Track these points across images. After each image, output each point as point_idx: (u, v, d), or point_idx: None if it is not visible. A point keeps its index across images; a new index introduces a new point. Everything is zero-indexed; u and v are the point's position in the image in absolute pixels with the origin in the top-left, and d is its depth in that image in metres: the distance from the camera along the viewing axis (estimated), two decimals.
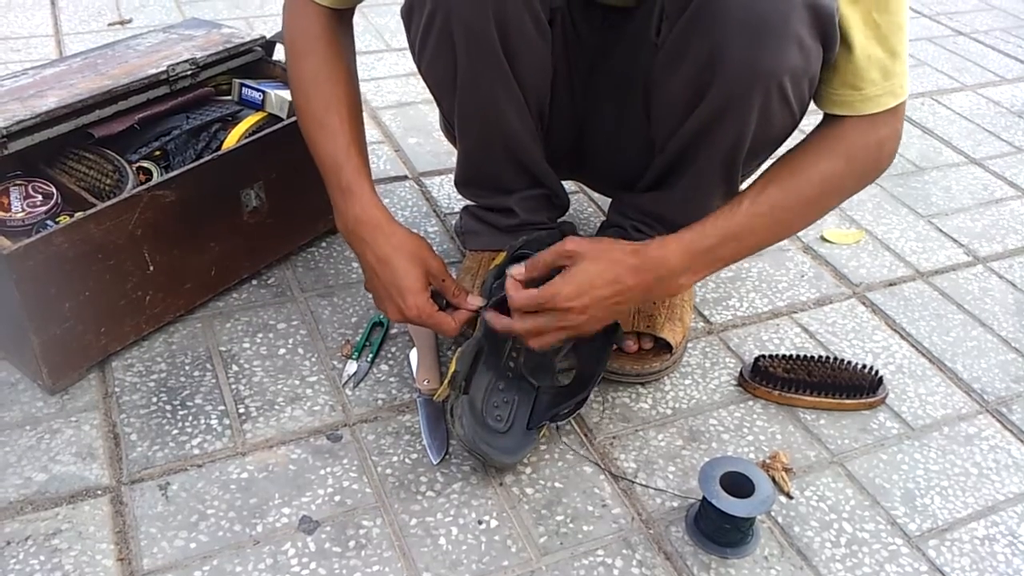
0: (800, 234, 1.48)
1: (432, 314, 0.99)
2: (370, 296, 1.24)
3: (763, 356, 1.17)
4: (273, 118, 1.25)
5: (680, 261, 0.95)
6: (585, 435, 1.08)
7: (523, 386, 1.04)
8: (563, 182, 1.26)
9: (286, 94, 1.24)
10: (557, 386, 1.07)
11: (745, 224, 0.96)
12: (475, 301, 1.02)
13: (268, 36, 1.32)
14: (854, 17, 0.89)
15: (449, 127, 1.20)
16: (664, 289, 0.98)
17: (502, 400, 1.02)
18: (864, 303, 1.35)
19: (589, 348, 1.06)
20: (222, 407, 1.07)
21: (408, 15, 1.02)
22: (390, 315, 1.01)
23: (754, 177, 1.00)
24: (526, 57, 1.01)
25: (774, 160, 0.99)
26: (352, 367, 1.13)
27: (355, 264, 1.31)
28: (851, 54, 0.91)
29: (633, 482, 1.03)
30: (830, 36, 0.89)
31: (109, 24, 1.98)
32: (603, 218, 1.41)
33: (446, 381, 0.99)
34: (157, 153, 1.19)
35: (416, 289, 0.98)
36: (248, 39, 1.30)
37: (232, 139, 1.20)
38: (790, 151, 0.99)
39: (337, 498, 0.98)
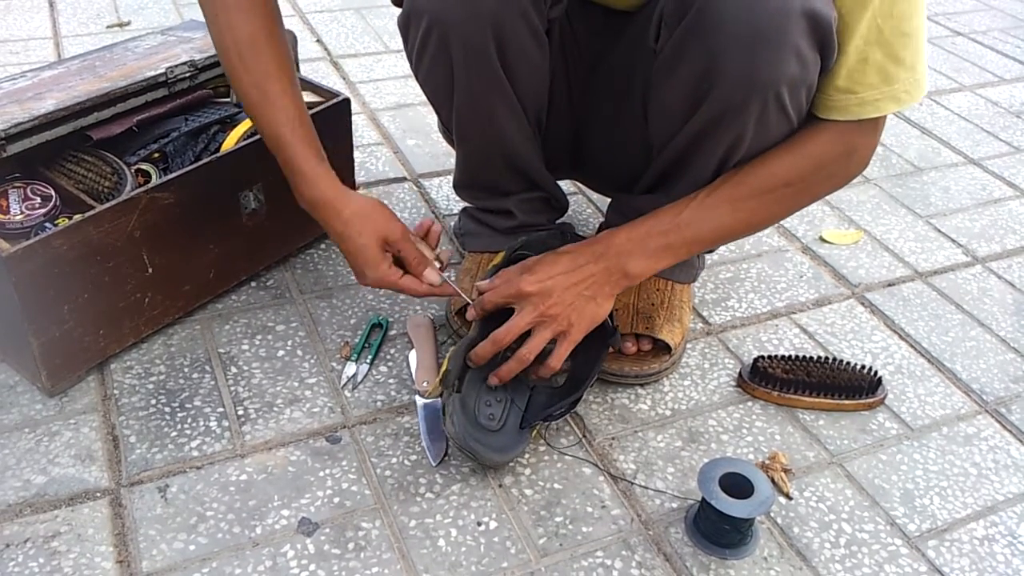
0: (799, 234, 1.49)
1: (395, 282, 0.99)
2: (369, 297, 1.25)
3: (762, 357, 1.17)
4: None
5: (629, 244, 0.99)
6: (584, 436, 1.08)
7: (517, 386, 1.04)
8: (562, 182, 1.26)
9: None
10: (552, 386, 1.07)
11: (698, 214, 0.99)
12: (432, 276, 1.01)
13: None
14: (857, 22, 0.88)
15: (447, 130, 1.20)
16: (623, 273, 1.00)
17: (495, 399, 1.02)
18: (863, 303, 1.35)
19: (585, 350, 1.06)
20: (221, 409, 1.07)
21: (405, 26, 1.02)
22: (363, 282, 1.01)
23: None
24: (524, 70, 1.01)
25: None
26: (351, 369, 1.13)
27: None
28: (846, 58, 0.91)
29: (632, 483, 1.03)
30: (828, 45, 0.89)
31: (107, 26, 1.98)
32: (601, 219, 1.41)
33: (438, 379, 1.00)
34: (156, 155, 1.19)
35: (374, 262, 0.98)
36: None
37: (231, 141, 1.20)
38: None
39: (336, 500, 0.98)
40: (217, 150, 1.19)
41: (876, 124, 0.96)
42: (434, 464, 1.02)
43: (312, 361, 1.15)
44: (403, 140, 1.65)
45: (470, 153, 1.16)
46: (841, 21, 0.89)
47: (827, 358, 1.17)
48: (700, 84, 0.93)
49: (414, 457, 1.03)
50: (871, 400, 1.15)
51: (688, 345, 1.23)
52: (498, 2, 0.94)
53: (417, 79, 1.08)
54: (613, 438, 1.08)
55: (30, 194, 1.09)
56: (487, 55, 0.97)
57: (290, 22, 1.89)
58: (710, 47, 0.89)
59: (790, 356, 1.17)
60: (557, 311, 0.97)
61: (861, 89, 0.92)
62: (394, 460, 1.03)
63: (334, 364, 1.15)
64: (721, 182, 1.00)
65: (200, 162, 1.12)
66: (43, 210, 1.08)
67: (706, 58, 0.90)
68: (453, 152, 1.21)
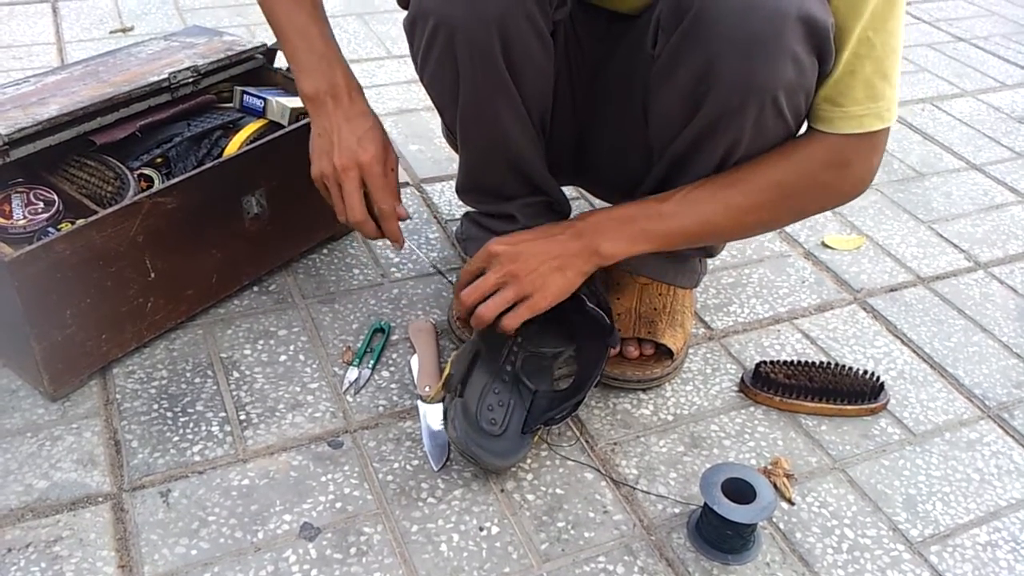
0: (801, 240, 1.49)
1: (385, 177, 1.01)
2: (371, 303, 1.25)
3: (764, 362, 1.17)
4: (274, 125, 1.25)
5: (608, 223, 1.00)
6: (586, 441, 1.08)
7: (520, 390, 1.04)
8: (565, 187, 1.26)
9: (287, 101, 1.25)
10: (554, 391, 1.07)
11: (682, 207, 0.99)
12: (403, 211, 1.04)
13: (269, 44, 1.33)
14: (848, 32, 0.88)
15: (451, 133, 1.20)
16: (595, 251, 1.00)
17: (497, 403, 1.02)
18: (865, 309, 1.35)
19: (585, 352, 1.06)
20: (223, 414, 1.07)
21: (411, 28, 1.03)
22: (340, 161, 0.99)
23: None
24: (529, 72, 1.02)
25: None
26: (353, 374, 1.13)
27: (356, 271, 1.31)
28: (835, 68, 0.90)
29: (634, 488, 1.03)
30: (826, 50, 0.89)
31: (111, 32, 1.99)
32: None
33: (439, 383, 1.00)
34: (158, 160, 1.19)
35: (381, 146, 1.00)
36: (249, 46, 1.30)
37: (233, 146, 1.20)
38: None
39: (338, 505, 0.98)
40: (220, 155, 1.20)
41: (872, 141, 0.95)
42: (436, 469, 1.02)
43: (314, 366, 1.15)
44: (406, 145, 1.65)
45: (473, 156, 1.16)
46: (835, 27, 0.89)
47: (829, 363, 1.17)
48: (697, 88, 0.93)
49: (416, 462, 1.03)
50: (873, 405, 1.15)
51: (690, 350, 1.23)
52: (503, 3, 0.95)
53: (422, 80, 1.08)
54: (615, 443, 1.08)
55: (33, 199, 1.10)
56: (492, 56, 0.98)
57: None
58: (706, 52, 0.89)
59: (792, 361, 1.17)
60: (522, 272, 0.98)
61: (847, 103, 0.92)
62: (396, 465, 1.03)
63: (336, 369, 1.15)
64: (709, 179, 1.00)
65: (203, 167, 1.12)
66: (46, 215, 1.08)
67: (702, 62, 0.90)
68: (455, 157, 1.21)
